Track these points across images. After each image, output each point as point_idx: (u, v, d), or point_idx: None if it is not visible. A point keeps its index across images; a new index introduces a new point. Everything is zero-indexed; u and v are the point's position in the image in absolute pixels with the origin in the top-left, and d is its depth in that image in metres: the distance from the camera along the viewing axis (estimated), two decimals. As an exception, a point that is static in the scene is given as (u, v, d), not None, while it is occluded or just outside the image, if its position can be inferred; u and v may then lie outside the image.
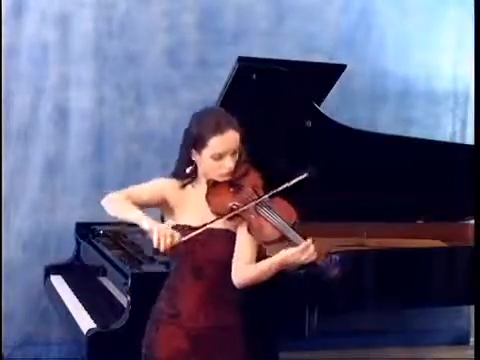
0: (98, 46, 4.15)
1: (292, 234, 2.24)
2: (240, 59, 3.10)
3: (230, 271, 2.31)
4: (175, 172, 2.39)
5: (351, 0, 4.47)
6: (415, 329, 4.58)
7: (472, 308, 3.75)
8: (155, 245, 2.14)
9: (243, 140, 2.31)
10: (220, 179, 2.31)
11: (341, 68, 3.38)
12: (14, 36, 4.05)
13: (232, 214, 2.25)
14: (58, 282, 3.61)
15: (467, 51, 4.47)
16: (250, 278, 2.29)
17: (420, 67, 4.61)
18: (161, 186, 2.38)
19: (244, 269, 2.29)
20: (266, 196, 2.28)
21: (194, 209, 2.32)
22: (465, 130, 4.71)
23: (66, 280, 3.62)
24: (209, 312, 2.32)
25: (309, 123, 3.37)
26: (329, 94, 3.50)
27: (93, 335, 2.71)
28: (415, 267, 3.25)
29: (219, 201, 2.29)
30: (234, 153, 2.29)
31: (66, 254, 3.87)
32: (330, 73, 3.39)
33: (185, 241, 2.17)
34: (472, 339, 4.49)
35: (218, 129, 2.26)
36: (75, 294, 3.36)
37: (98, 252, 3.38)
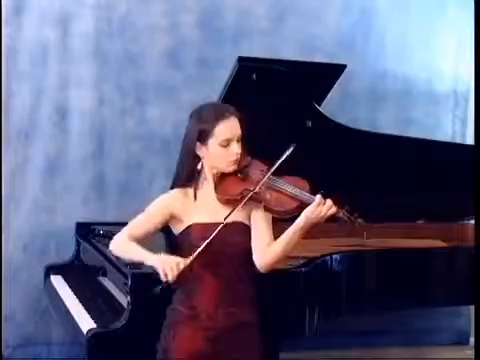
0: (98, 46, 4.15)
1: (310, 197, 2.24)
2: (240, 59, 3.10)
3: (246, 265, 2.31)
4: (178, 178, 2.37)
5: (351, 0, 4.47)
6: (415, 329, 4.59)
7: (472, 308, 3.75)
8: (163, 279, 2.16)
9: (244, 130, 2.32)
10: (229, 168, 2.31)
11: (341, 68, 3.38)
12: (14, 36, 4.05)
13: (249, 195, 2.25)
14: (58, 282, 3.61)
15: (467, 51, 4.47)
16: (275, 256, 2.28)
17: (420, 67, 4.61)
18: (165, 203, 2.35)
19: (267, 250, 2.28)
20: (274, 167, 2.29)
21: (203, 208, 2.32)
22: (465, 130, 4.71)
23: (66, 280, 3.62)
24: (228, 310, 2.30)
25: (309, 123, 3.37)
26: (329, 94, 3.50)
27: (93, 335, 2.71)
28: (415, 267, 3.25)
29: (229, 189, 2.29)
30: (239, 140, 2.31)
31: (66, 254, 3.87)
32: (330, 73, 3.40)
33: (202, 237, 2.19)
34: (472, 339, 4.49)
35: (222, 116, 2.28)
36: (75, 294, 3.36)
37: (98, 252, 3.38)
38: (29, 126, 4.11)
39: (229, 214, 2.24)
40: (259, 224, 2.32)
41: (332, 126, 3.43)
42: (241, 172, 2.34)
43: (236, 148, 2.29)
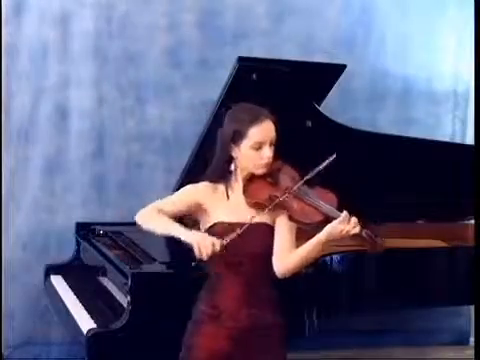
0: (98, 46, 4.15)
1: (335, 213, 2.25)
2: (240, 59, 3.10)
3: (268, 266, 2.31)
4: (211, 173, 2.37)
5: (351, 0, 4.47)
6: (415, 329, 4.58)
7: (472, 308, 3.75)
8: (197, 256, 2.17)
9: (278, 133, 2.33)
10: (259, 171, 2.32)
11: (341, 68, 3.38)
12: (14, 36, 4.05)
13: (276, 202, 2.25)
14: (58, 282, 3.61)
15: (467, 51, 4.47)
16: (294, 264, 2.29)
17: (420, 67, 4.60)
18: (193, 192, 2.36)
19: (287, 257, 2.29)
20: (305, 178, 2.30)
21: (229, 207, 2.32)
22: (465, 130, 4.71)
23: (66, 280, 3.62)
24: (250, 311, 2.31)
25: (309, 123, 3.37)
26: (329, 94, 3.50)
27: (93, 335, 2.71)
28: (415, 267, 3.25)
29: (258, 193, 2.30)
30: (272, 144, 2.31)
31: (66, 254, 3.87)
32: (330, 73, 3.39)
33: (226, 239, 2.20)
34: (472, 339, 4.49)
35: (256, 119, 2.29)
36: (75, 294, 3.36)
37: (98, 252, 3.38)
38: (29, 126, 4.11)
39: (255, 216, 2.24)
40: (282, 230, 2.32)
41: (332, 126, 3.42)
42: (271, 176, 2.34)
43: (268, 152, 2.30)
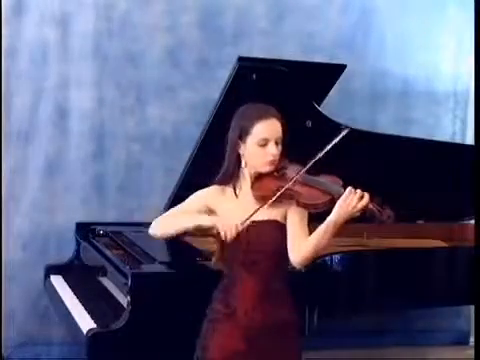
0: (98, 46, 4.15)
1: (341, 191, 2.25)
2: (240, 59, 3.10)
3: (282, 264, 2.33)
4: (223, 175, 2.38)
5: (351, 0, 4.47)
6: (415, 329, 4.59)
7: (472, 308, 3.75)
8: (223, 238, 2.22)
9: (285, 133, 2.34)
10: (264, 168, 2.33)
11: (341, 68, 3.38)
12: (14, 36, 4.04)
13: (284, 188, 2.27)
14: (58, 282, 3.61)
15: (467, 51, 4.47)
16: (309, 252, 2.28)
17: (420, 67, 4.61)
18: (203, 197, 2.39)
19: (301, 245, 2.29)
20: (310, 163, 2.33)
21: (239, 207, 2.33)
22: (465, 130, 4.71)
23: (66, 280, 3.62)
24: (265, 309, 2.32)
25: (309, 123, 3.37)
26: (329, 94, 3.50)
27: (93, 335, 2.71)
28: (415, 267, 3.25)
29: (265, 187, 2.31)
30: (278, 142, 2.32)
31: (66, 254, 3.86)
32: (330, 73, 3.39)
33: (238, 235, 2.23)
34: (472, 339, 4.50)
35: (262, 116, 2.31)
36: (75, 294, 3.36)
37: (98, 252, 3.38)
38: (29, 126, 4.11)
39: (266, 204, 2.28)
40: (293, 221, 2.33)
41: (332, 126, 3.42)
42: (278, 173, 2.35)
43: (273, 149, 2.31)
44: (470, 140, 4.35)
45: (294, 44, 4.30)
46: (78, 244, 3.80)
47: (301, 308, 2.88)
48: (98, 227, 3.71)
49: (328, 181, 2.32)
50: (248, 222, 2.24)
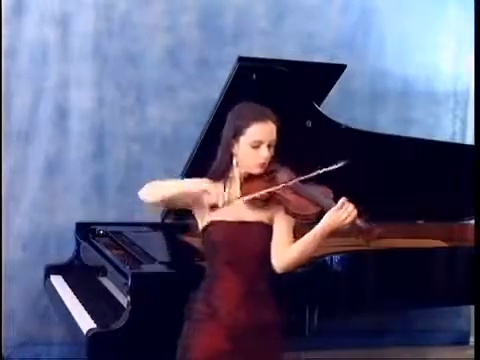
0: (98, 46, 4.15)
1: (330, 204, 2.26)
2: (240, 59, 3.10)
3: (266, 265, 2.32)
4: (214, 171, 2.38)
5: (351, 0, 4.47)
6: (415, 329, 4.59)
7: (472, 308, 3.75)
8: (214, 201, 2.25)
9: (278, 135, 2.34)
10: (255, 170, 2.33)
11: (341, 68, 3.38)
12: (14, 36, 4.04)
13: (270, 190, 2.27)
14: (58, 282, 3.61)
15: (467, 51, 4.47)
16: (293, 259, 2.29)
17: (420, 67, 4.61)
18: (200, 182, 2.37)
19: (285, 252, 2.30)
20: (301, 178, 2.31)
21: (228, 206, 2.33)
22: (465, 130, 4.71)
23: (66, 280, 3.62)
24: (248, 309, 2.31)
25: (309, 123, 3.37)
26: (329, 94, 3.50)
27: (93, 335, 2.71)
28: (415, 267, 3.25)
29: (254, 190, 2.30)
30: (270, 145, 2.32)
31: (66, 254, 3.86)
32: (330, 73, 3.39)
33: (223, 235, 2.25)
34: (472, 339, 4.49)
35: (257, 118, 2.30)
36: (75, 294, 3.36)
37: (98, 252, 3.38)
38: (29, 126, 4.11)
39: (262, 193, 2.27)
40: (280, 226, 2.34)
41: (332, 126, 3.42)
42: (268, 176, 2.35)
43: (265, 152, 2.30)
44: (470, 140, 4.35)
45: (294, 44, 4.30)
46: (78, 244, 3.79)
47: (301, 308, 2.89)
48: (98, 227, 3.71)
49: (319, 192, 2.32)
50: (250, 197, 2.24)
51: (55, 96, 4.13)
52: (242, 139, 2.30)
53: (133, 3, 4.18)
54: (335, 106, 3.69)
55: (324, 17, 4.40)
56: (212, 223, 2.33)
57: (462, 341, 4.78)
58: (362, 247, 3.35)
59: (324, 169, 2.29)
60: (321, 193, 2.32)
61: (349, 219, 2.23)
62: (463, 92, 4.69)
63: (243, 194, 2.31)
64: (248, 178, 2.35)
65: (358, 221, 2.25)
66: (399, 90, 4.59)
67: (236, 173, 2.35)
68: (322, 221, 2.24)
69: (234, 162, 2.34)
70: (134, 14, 4.18)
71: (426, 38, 4.59)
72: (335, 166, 2.30)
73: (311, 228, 2.27)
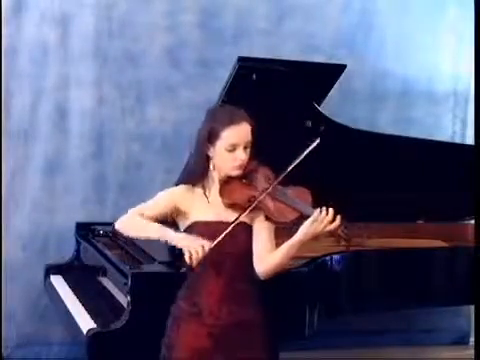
0: (98, 46, 4.15)
1: (309, 210, 2.28)
2: (240, 59, 3.10)
3: (248, 264, 2.34)
4: (188, 175, 2.40)
5: (351, 0, 4.47)
6: (415, 329, 4.59)
7: (472, 308, 3.75)
8: (188, 262, 2.18)
9: (254, 135, 2.34)
10: (233, 172, 2.33)
11: (341, 68, 3.38)
12: (14, 36, 4.04)
13: (255, 203, 2.28)
14: (58, 282, 3.61)
15: (467, 51, 4.47)
16: (274, 264, 2.32)
17: (420, 67, 4.61)
18: (170, 195, 2.39)
19: (267, 257, 2.32)
20: (280, 177, 2.32)
21: (207, 207, 2.35)
22: (465, 130, 4.71)
23: (66, 280, 3.62)
24: (230, 308, 2.33)
25: (309, 123, 3.37)
26: (329, 94, 3.50)
27: (93, 335, 2.71)
28: (415, 267, 3.25)
29: (234, 194, 2.32)
30: (246, 147, 2.32)
31: (66, 254, 3.87)
32: (330, 73, 3.39)
33: (205, 235, 2.22)
34: (472, 339, 4.49)
35: (232, 121, 2.30)
36: (75, 294, 3.36)
37: (98, 252, 3.38)
38: (29, 126, 4.11)
39: (238, 218, 2.27)
40: (261, 231, 2.35)
41: (332, 126, 3.42)
42: (246, 177, 2.36)
43: (241, 154, 2.31)
44: (470, 140, 4.35)
45: (294, 44, 4.30)
46: (78, 244, 3.80)
47: (301, 308, 2.89)
48: (98, 227, 3.71)
49: (297, 195, 2.34)
50: (213, 244, 2.21)
51: (55, 96, 4.13)
52: (218, 143, 2.31)
53: (133, 3, 4.18)
54: (335, 106, 3.69)
55: (324, 17, 4.40)
56: (194, 223, 2.34)
57: (462, 341, 4.78)
58: (362, 247, 3.36)
59: (299, 158, 2.31)
60: (299, 195, 2.35)
61: (328, 228, 2.26)
62: (463, 92, 4.69)
63: (223, 197, 2.33)
64: (226, 180, 2.35)
65: (339, 230, 2.29)
66: (399, 90, 4.59)
67: (215, 176, 2.36)
68: (300, 230, 2.28)
69: (211, 166, 2.35)
70: (134, 14, 4.18)
71: (426, 38, 4.58)
72: (308, 149, 2.33)
73: (290, 229, 2.30)
